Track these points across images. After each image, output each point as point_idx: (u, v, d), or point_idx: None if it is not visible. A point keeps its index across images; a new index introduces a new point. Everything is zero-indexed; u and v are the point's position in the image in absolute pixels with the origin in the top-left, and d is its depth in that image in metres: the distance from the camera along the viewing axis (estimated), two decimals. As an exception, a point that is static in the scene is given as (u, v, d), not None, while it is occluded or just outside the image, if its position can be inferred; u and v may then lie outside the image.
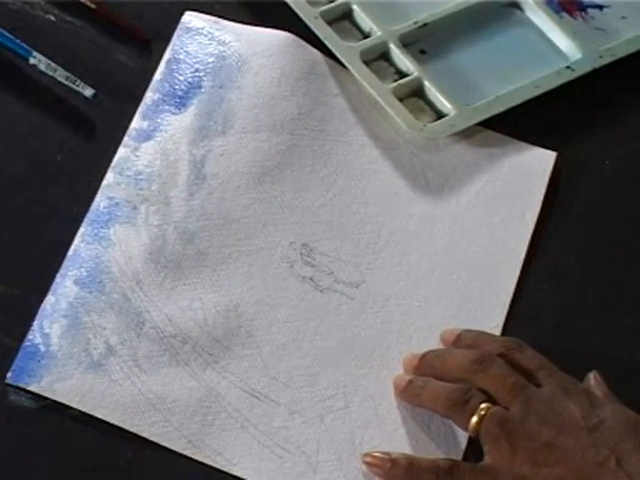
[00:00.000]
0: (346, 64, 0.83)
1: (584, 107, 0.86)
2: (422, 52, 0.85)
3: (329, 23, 0.84)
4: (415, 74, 0.83)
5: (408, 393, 0.74)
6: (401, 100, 0.83)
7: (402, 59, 0.84)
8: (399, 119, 0.82)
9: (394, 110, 0.82)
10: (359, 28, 0.86)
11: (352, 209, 0.80)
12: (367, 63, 0.83)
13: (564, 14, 0.88)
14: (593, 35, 0.88)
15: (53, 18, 0.84)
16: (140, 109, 0.81)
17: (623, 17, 0.89)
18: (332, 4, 0.85)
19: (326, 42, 0.83)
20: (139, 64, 0.83)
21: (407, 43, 0.85)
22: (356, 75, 0.82)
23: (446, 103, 0.83)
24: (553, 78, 0.85)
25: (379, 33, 0.85)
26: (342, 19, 0.86)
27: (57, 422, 0.71)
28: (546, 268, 0.80)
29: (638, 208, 0.83)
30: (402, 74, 0.84)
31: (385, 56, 0.85)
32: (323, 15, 0.84)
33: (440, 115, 0.83)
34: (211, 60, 0.83)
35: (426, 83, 0.83)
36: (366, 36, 0.85)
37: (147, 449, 0.71)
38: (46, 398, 0.71)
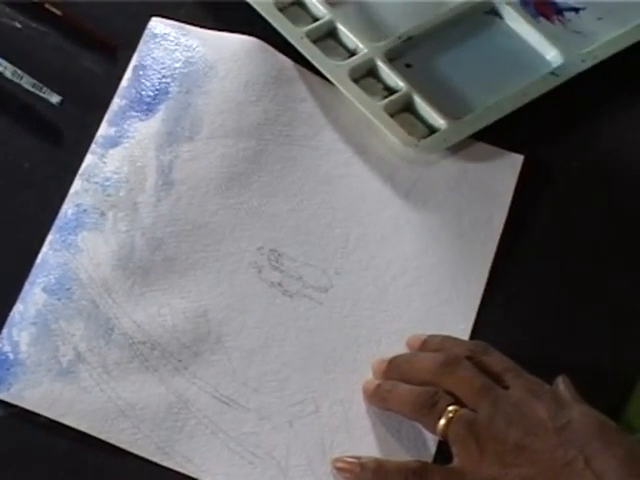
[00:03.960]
0: (336, 83, 0.83)
1: (561, 111, 0.86)
2: (408, 66, 0.86)
3: (315, 42, 0.84)
4: (404, 89, 0.84)
5: (377, 397, 0.74)
6: (392, 116, 0.83)
7: (389, 74, 0.84)
8: (393, 136, 0.82)
9: (388, 127, 0.82)
10: (344, 46, 0.86)
11: (320, 214, 0.80)
12: (356, 81, 0.84)
13: (541, 18, 0.89)
14: (572, 39, 0.88)
15: (19, 25, 0.84)
16: (107, 116, 0.81)
17: (599, 18, 0.90)
18: (317, 23, 0.85)
19: (314, 62, 0.84)
20: (105, 70, 0.83)
21: (393, 58, 0.85)
22: (347, 94, 0.83)
23: (437, 117, 0.83)
24: (539, 85, 0.86)
25: (365, 50, 0.85)
26: (327, 37, 0.86)
27: (26, 430, 0.71)
28: (514, 271, 0.80)
29: (604, 210, 0.84)
30: (390, 90, 0.84)
31: (372, 73, 0.85)
32: (309, 35, 0.84)
33: (432, 129, 0.83)
34: (178, 66, 0.83)
35: (416, 98, 0.84)
36: (352, 53, 0.85)
37: (117, 456, 0.71)
38: (15, 406, 0.71)
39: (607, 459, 0.69)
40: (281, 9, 0.85)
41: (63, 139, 0.81)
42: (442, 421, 0.71)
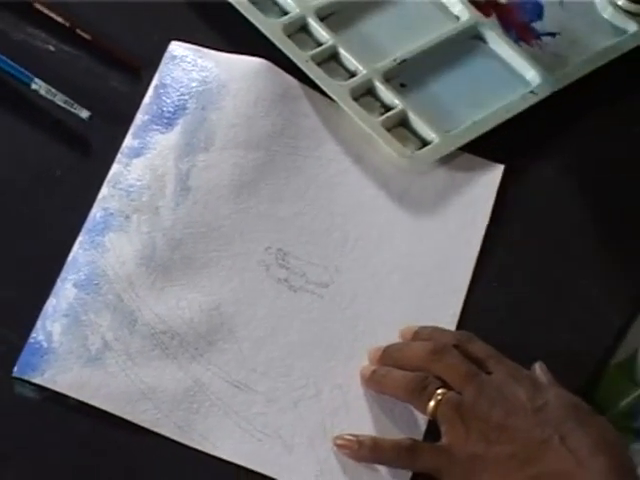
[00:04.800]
0: (338, 101, 0.83)
1: (539, 126, 0.86)
2: (402, 85, 0.86)
3: (319, 64, 0.84)
4: (399, 107, 0.84)
5: (373, 382, 0.74)
6: (388, 130, 0.83)
7: (386, 93, 0.84)
8: (390, 149, 0.82)
9: (385, 141, 0.82)
10: (345, 68, 0.86)
11: (321, 217, 0.80)
12: (356, 99, 0.84)
13: (522, 43, 0.89)
14: (549, 61, 0.88)
15: (52, 48, 0.84)
16: (131, 129, 0.81)
17: (573, 42, 0.90)
18: (320, 48, 0.85)
19: (318, 82, 0.84)
20: (130, 89, 0.83)
21: (389, 78, 0.85)
22: (348, 111, 0.83)
23: (429, 131, 0.83)
24: (520, 102, 0.86)
25: (364, 71, 0.85)
26: (329, 60, 0.86)
27: (58, 411, 0.71)
28: (495, 268, 0.80)
29: (574, 215, 0.84)
30: (387, 107, 0.84)
31: (371, 92, 0.85)
32: (313, 58, 0.84)
33: (424, 142, 0.83)
34: (194, 84, 0.83)
35: (410, 114, 0.84)
36: (352, 75, 0.85)
37: (139, 434, 0.71)
38: (48, 389, 0.71)
39: (580, 437, 0.69)
40: (289, 35, 0.85)
41: (92, 150, 0.81)
42: (431, 403, 0.72)
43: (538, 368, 0.74)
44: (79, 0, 0.85)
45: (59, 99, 0.80)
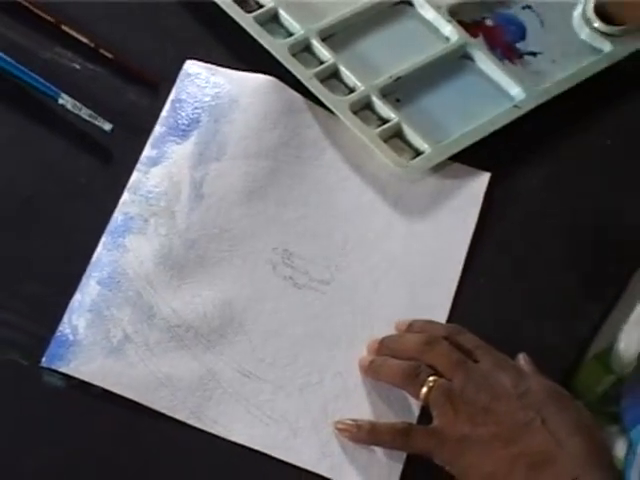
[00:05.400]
0: (338, 114, 0.83)
1: (522, 137, 0.86)
2: (397, 100, 0.85)
3: (321, 81, 0.85)
4: (395, 120, 0.84)
5: (370, 370, 0.74)
6: (385, 141, 0.83)
7: (383, 107, 0.84)
8: (386, 158, 0.82)
9: (381, 151, 0.82)
10: (345, 84, 0.85)
11: (323, 221, 0.80)
12: (355, 112, 0.84)
13: (506, 61, 0.89)
14: (531, 78, 0.88)
15: (78, 66, 0.83)
16: (150, 140, 0.81)
17: (553, 61, 0.90)
18: (322, 66, 0.85)
19: (321, 97, 0.83)
20: (148, 103, 0.83)
21: (385, 94, 0.85)
22: (348, 123, 0.83)
23: (422, 142, 0.83)
24: (505, 116, 0.85)
25: (362, 87, 0.85)
26: (331, 77, 0.86)
27: (83, 398, 0.71)
28: (483, 266, 0.80)
29: (554, 218, 0.84)
30: (383, 120, 0.84)
31: (368, 106, 0.85)
32: (316, 75, 0.84)
33: (417, 152, 0.83)
34: (207, 99, 0.83)
35: (404, 127, 0.84)
36: (351, 90, 0.85)
37: (156, 419, 0.71)
38: (74, 378, 0.72)
39: (559, 420, 0.70)
40: (294, 54, 0.85)
41: (114, 159, 0.81)
42: (424, 389, 0.72)
43: (522, 358, 0.74)
44: (102, 22, 0.85)
45: (84, 113, 0.80)
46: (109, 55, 0.84)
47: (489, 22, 0.90)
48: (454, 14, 0.89)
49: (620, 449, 0.74)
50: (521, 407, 0.70)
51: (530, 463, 0.68)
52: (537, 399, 0.70)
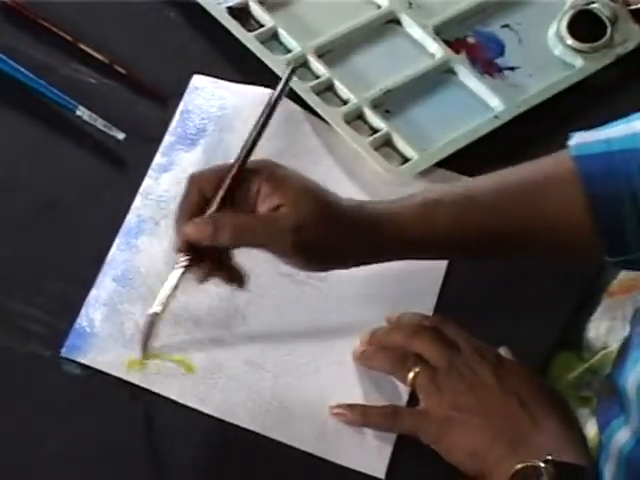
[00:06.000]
0: (333, 125, 0.83)
1: (501, 145, 0.85)
2: (387, 111, 0.86)
3: (317, 94, 0.85)
4: (385, 129, 0.84)
5: (363, 359, 0.75)
6: (376, 149, 0.83)
7: (374, 118, 0.84)
8: (377, 165, 0.82)
9: (372, 158, 0.82)
10: (339, 97, 0.86)
11: (320, 222, 0.80)
12: (348, 123, 0.84)
13: (487, 75, 0.89)
14: (510, 91, 0.88)
15: (94, 81, 0.84)
16: (160, 148, 0.81)
17: (529, 75, 0.90)
18: (318, 80, 0.85)
19: (317, 109, 0.84)
20: (159, 115, 0.83)
21: (376, 106, 0.85)
22: (342, 133, 0.83)
23: (410, 150, 0.83)
24: (486, 125, 0.86)
25: (355, 100, 0.85)
26: (326, 91, 0.86)
27: (99, 385, 0.72)
28: (465, 266, 0.79)
29: None
30: (374, 130, 0.84)
31: (361, 117, 0.85)
32: (313, 89, 0.85)
33: (405, 159, 0.84)
34: (213, 111, 0.83)
35: (394, 136, 0.84)
36: (345, 102, 0.85)
37: (168, 405, 0.71)
38: (91, 367, 0.72)
39: (535, 401, 0.70)
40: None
41: (127, 166, 0.81)
42: (411, 375, 0.72)
43: (502, 349, 0.74)
44: (116, 40, 0.85)
45: (99, 123, 0.80)
46: (122, 71, 0.84)
47: (471, 40, 0.91)
48: (439, 32, 0.90)
49: (591, 429, 0.74)
50: (500, 390, 0.70)
51: (509, 440, 0.68)
52: (514, 383, 0.70)
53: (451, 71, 0.89)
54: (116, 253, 0.77)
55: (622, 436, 0.67)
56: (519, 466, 0.66)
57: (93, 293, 0.75)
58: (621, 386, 0.68)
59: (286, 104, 0.83)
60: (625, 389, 0.67)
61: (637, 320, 0.70)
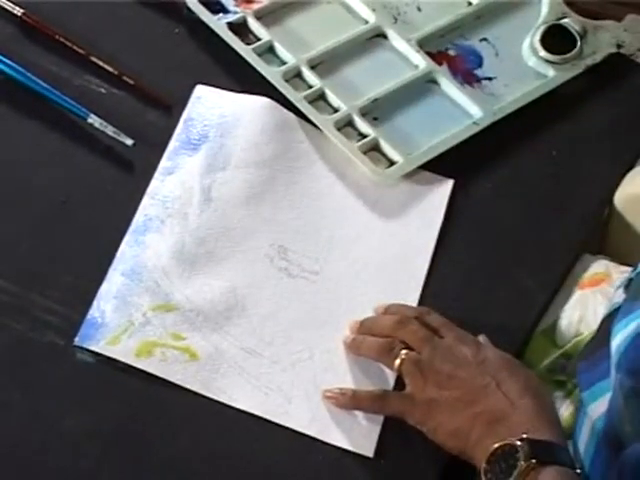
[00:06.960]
0: (324, 131, 0.83)
1: (480, 149, 0.85)
2: (375, 119, 0.85)
3: (310, 103, 0.84)
4: (372, 135, 0.83)
5: (353, 347, 0.74)
6: (364, 154, 0.83)
7: (362, 125, 0.84)
8: (365, 168, 0.82)
9: (361, 162, 0.82)
10: (330, 105, 0.85)
11: (313, 221, 0.80)
12: (339, 129, 0.83)
13: (466, 85, 0.88)
14: (487, 99, 0.87)
15: (104, 91, 0.83)
16: (166, 153, 0.81)
17: (506, 85, 0.89)
18: (311, 89, 0.85)
19: (310, 116, 0.83)
20: (164, 122, 0.83)
21: (364, 113, 0.84)
22: (332, 138, 0.82)
23: (395, 154, 0.83)
24: (465, 131, 0.85)
25: (345, 108, 0.84)
26: (318, 99, 0.85)
27: (110, 372, 0.72)
28: (447, 259, 0.80)
29: (507, 218, 0.83)
30: (363, 135, 0.84)
31: (350, 123, 0.84)
32: (306, 97, 0.84)
33: (391, 162, 0.83)
34: (214, 118, 0.83)
35: (381, 141, 0.83)
36: (335, 110, 0.85)
37: (172, 390, 0.71)
38: (102, 355, 0.72)
39: (512, 383, 0.70)
40: (286, 80, 0.85)
41: (135, 169, 0.81)
42: (397, 361, 0.72)
43: (481, 337, 0.74)
44: (124, 53, 0.85)
45: (109, 130, 0.80)
46: (131, 81, 0.84)
47: (452, 52, 0.90)
48: (422, 45, 0.89)
49: (565, 410, 0.74)
50: (479, 373, 0.70)
51: (488, 420, 0.68)
52: (493, 366, 0.70)
53: (434, 81, 0.88)
54: (125, 249, 0.76)
55: (600, 407, 0.67)
56: (497, 445, 0.66)
57: (104, 286, 0.75)
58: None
59: (281, 112, 0.83)
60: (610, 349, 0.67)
61: (626, 290, 0.70)
